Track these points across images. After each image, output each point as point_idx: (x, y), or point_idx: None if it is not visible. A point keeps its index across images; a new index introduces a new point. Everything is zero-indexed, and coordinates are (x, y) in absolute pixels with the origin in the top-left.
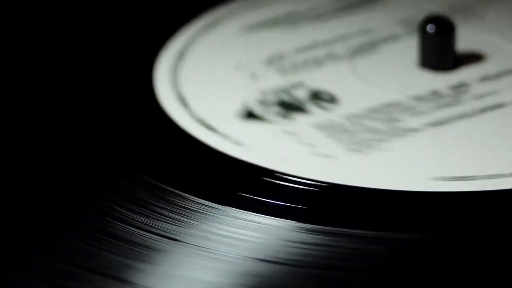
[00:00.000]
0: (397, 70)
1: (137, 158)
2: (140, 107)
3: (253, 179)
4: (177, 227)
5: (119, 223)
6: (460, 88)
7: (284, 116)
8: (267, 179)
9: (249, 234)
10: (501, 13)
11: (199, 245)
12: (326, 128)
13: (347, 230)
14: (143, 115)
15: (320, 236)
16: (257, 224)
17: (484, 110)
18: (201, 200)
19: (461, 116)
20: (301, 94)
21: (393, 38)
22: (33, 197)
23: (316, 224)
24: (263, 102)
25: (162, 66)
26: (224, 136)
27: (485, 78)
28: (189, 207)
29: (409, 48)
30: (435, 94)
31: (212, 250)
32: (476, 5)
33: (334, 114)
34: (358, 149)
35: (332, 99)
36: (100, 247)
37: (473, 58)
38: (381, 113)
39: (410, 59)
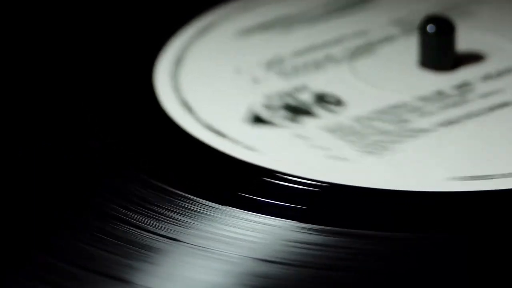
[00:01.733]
0: (398, 70)
1: (137, 158)
2: (140, 107)
3: (254, 179)
4: (178, 227)
5: (119, 223)
6: (464, 87)
7: (292, 120)
8: (268, 179)
9: (250, 234)
10: (497, 12)
11: (199, 245)
12: (337, 130)
13: (357, 231)
14: (142, 114)
15: (323, 236)
16: (257, 224)
17: (491, 108)
18: (202, 200)
19: (470, 116)
20: (306, 97)
21: (389, 39)
22: (33, 197)
23: (319, 224)
24: (268, 107)
25: (161, 67)
26: (231, 139)
27: (487, 77)
28: (189, 207)
29: (406, 48)
30: (440, 94)
31: (212, 250)
32: (469, 4)
33: (342, 117)
34: (372, 151)
35: (338, 102)
36: (100, 247)
37: (473, 58)
38: (389, 114)
39: (409, 59)
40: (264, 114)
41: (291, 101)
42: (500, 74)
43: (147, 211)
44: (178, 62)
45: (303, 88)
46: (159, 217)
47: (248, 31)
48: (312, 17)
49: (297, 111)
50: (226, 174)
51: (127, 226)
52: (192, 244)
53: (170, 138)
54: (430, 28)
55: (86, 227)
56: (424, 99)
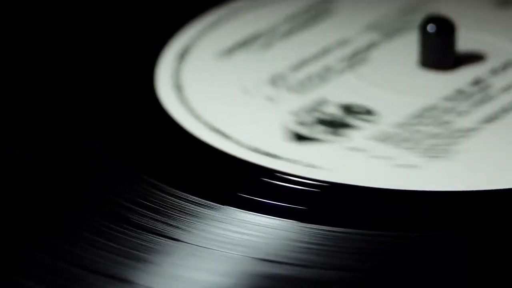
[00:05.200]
0: (403, 73)
1: (137, 158)
2: (140, 107)
3: (256, 179)
4: (178, 227)
5: (119, 223)
6: (480, 84)
7: (335, 134)
8: (272, 180)
9: (250, 234)
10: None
11: (199, 245)
12: (386, 139)
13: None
14: (143, 115)
15: (322, 236)
16: (258, 224)
17: None
18: (203, 200)
19: (505, 110)
20: (333, 110)
21: (375, 44)
22: (33, 197)
23: (317, 224)
24: (302, 123)
25: (163, 68)
26: (284, 158)
27: (495, 71)
28: (189, 207)
29: (397, 51)
30: (461, 92)
31: (213, 250)
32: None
33: (382, 125)
34: (437, 155)
35: (368, 111)
36: (100, 247)
37: (473, 57)
38: (427, 117)
39: (408, 60)
40: (303, 131)
41: (321, 116)
42: (505, 67)
43: (147, 211)
44: (181, 59)
45: (323, 102)
46: (160, 217)
47: (228, 51)
48: (282, 33)
49: (334, 124)
50: (216, 171)
51: (127, 226)
52: (193, 244)
53: (171, 137)
54: (430, 28)
55: (86, 227)
56: (449, 99)
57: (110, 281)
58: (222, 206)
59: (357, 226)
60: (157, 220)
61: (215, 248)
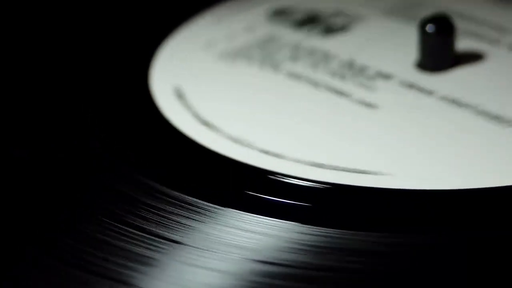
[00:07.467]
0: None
1: (137, 159)
2: (140, 107)
3: (254, 180)
4: (178, 228)
5: (119, 223)
6: None
7: None
8: (269, 178)
9: (251, 236)
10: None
11: (200, 247)
12: None
13: (350, 231)
14: (143, 115)
15: (322, 237)
16: (258, 225)
17: None
18: (202, 201)
19: None
20: None
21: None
22: (32, 197)
23: (318, 226)
24: None
25: (160, 68)
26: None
27: None
28: (189, 208)
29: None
30: None
31: (213, 252)
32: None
33: None
34: None
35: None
36: (100, 247)
37: (472, 57)
38: None
39: (407, 62)
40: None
41: None
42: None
43: (148, 212)
44: (178, 57)
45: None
46: (160, 218)
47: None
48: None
49: None
50: (227, 176)
51: (127, 228)
52: (193, 246)
53: (170, 138)
54: (429, 27)
55: (86, 228)
56: None
57: (110, 282)
58: (223, 207)
59: (357, 228)
60: (157, 221)
61: (215, 251)
